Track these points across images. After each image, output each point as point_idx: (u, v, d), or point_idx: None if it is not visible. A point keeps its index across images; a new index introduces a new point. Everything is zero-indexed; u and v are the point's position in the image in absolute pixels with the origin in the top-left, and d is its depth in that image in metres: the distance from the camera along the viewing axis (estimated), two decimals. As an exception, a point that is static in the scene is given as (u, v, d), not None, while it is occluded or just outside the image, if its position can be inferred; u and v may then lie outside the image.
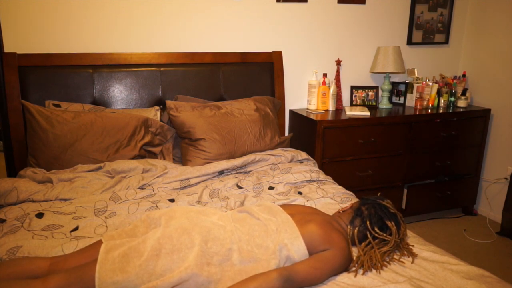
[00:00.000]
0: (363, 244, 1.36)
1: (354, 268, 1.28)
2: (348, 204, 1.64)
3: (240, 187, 1.91)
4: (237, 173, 2.09)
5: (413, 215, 2.94)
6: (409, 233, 1.55)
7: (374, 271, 1.27)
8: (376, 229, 1.36)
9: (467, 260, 1.44)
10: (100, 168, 1.92)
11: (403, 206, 2.83)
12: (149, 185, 1.86)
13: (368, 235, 1.36)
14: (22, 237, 1.40)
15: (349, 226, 1.39)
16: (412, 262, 1.34)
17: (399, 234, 1.38)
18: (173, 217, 1.29)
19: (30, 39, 2.17)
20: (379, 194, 1.57)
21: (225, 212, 1.43)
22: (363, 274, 1.26)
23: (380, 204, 1.41)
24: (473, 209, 3.13)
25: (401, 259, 1.35)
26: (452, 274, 1.25)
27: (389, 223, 1.36)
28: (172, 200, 1.74)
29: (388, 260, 1.34)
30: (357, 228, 1.37)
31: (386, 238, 1.36)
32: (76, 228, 1.49)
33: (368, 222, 1.37)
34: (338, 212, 1.49)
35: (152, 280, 1.10)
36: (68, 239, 1.41)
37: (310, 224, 1.29)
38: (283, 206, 1.48)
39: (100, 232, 1.48)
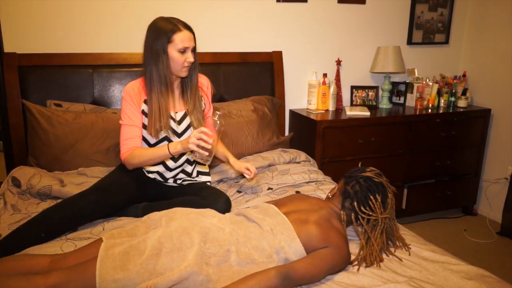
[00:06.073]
0: (361, 231, 1.35)
1: (356, 263, 1.29)
2: (334, 187, 1.52)
3: (239, 192, 1.90)
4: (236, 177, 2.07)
5: (413, 215, 2.94)
6: (409, 232, 1.55)
7: (373, 270, 1.27)
8: (362, 208, 1.33)
9: (467, 260, 1.44)
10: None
11: (403, 206, 2.83)
12: None
13: (360, 219, 1.34)
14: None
15: (342, 212, 1.38)
16: (409, 254, 1.36)
17: (386, 206, 1.34)
18: (173, 218, 1.29)
19: (30, 39, 2.17)
20: (360, 164, 1.49)
21: (224, 214, 1.43)
22: (366, 267, 1.27)
23: (363, 177, 1.37)
24: (473, 209, 3.12)
25: (396, 252, 1.36)
26: (452, 274, 1.25)
27: (372, 200, 1.32)
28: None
29: (387, 252, 1.36)
30: (346, 212, 1.36)
31: (371, 217, 1.32)
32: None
33: (355, 203, 1.34)
34: (328, 197, 1.46)
35: (152, 279, 1.10)
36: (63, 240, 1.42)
37: (307, 224, 1.28)
38: (278, 203, 1.46)
39: (95, 232, 1.46)
